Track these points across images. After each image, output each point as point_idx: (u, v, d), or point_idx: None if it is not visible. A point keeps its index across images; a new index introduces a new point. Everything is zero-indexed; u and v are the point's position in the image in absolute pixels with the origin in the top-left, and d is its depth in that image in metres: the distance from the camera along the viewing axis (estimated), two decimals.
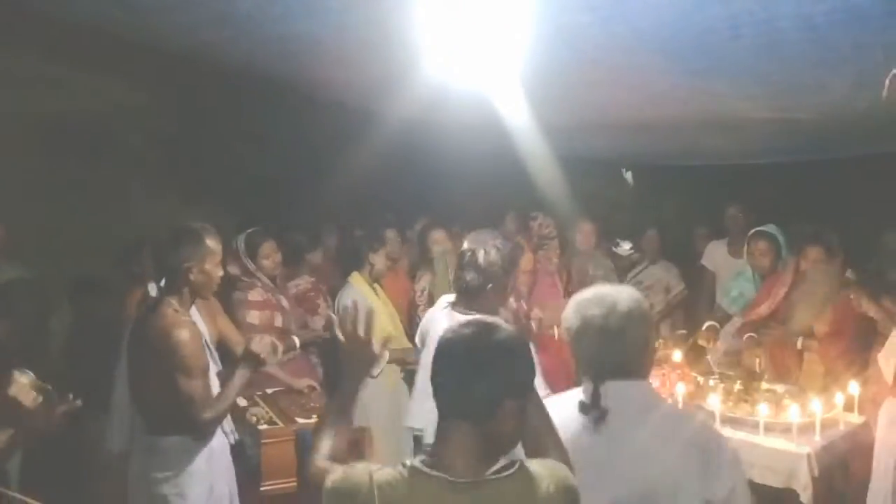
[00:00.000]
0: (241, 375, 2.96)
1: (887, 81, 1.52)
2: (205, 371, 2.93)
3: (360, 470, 1.58)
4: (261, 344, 3.00)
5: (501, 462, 1.57)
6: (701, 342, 4.76)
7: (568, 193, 5.73)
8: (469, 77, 3.31)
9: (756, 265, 4.73)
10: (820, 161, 5.94)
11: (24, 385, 2.22)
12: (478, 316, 1.72)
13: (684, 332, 5.44)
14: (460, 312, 3.11)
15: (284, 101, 4.44)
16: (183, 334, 2.83)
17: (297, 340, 4.26)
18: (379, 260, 4.62)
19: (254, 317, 4.23)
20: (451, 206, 5.88)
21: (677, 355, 4.39)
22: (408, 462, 1.57)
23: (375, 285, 4.64)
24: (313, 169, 5.16)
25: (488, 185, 6.16)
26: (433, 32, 2.77)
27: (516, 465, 1.57)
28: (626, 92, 3.83)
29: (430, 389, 1.64)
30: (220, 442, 3.08)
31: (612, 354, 1.94)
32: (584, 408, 1.94)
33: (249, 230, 4.42)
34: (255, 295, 4.28)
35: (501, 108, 3.78)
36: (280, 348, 3.23)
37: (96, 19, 3.46)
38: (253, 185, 5.64)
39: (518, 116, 3.92)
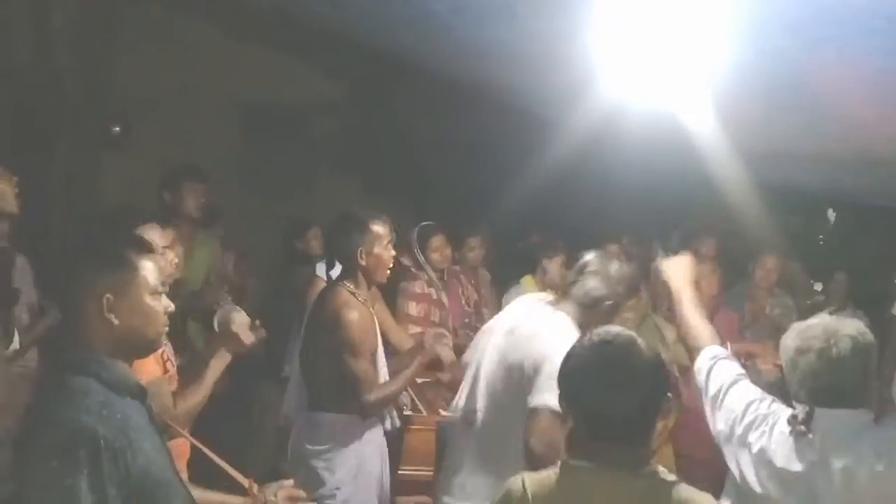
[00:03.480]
0: (414, 369, 3.10)
1: None
2: (373, 354, 3.10)
3: (515, 477, 1.72)
4: (445, 349, 3.14)
5: (654, 465, 1.64)
6: None
7: (756, 223, 5.42)
8: (657, 94, 3.22)
9: None
10: None
11: (243, 323, 2.51)
12: (610, 329, 1.75)
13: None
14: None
15: (470, 103, 4.53)
16: (353, 314, 3.02)
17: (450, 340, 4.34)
18: (553, 267, 4.61)
19: (412, 308, 4.37)
20: (622, 220, 5.75)
21: None
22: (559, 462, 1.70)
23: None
24: (492, 172, 5.22)
25: (671, 204, 5.96)
26: (623, 47, 2.72)
27: (673, 477, 1.63)
28: (828, 122, 3.57)
29: None
30: (375, 425, 3.23)
31: (825, 381, 1.93)
32: (793, 420, 1.96)
33: (423, 223, 4.55)
34: (417, 287, 4.42)
35: (691, 129, 3.64)
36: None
37: (303, 11, 3.68)
38: (433, 182, 5.79)
39: (709, 138, 3.75)
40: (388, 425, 3.33)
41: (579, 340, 1.75)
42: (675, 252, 5.08)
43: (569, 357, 1.70)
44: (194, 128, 5.52)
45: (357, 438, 3.13)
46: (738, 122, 3.55)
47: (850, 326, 1.99)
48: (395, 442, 3.55)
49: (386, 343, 3.79)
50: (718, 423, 2.20)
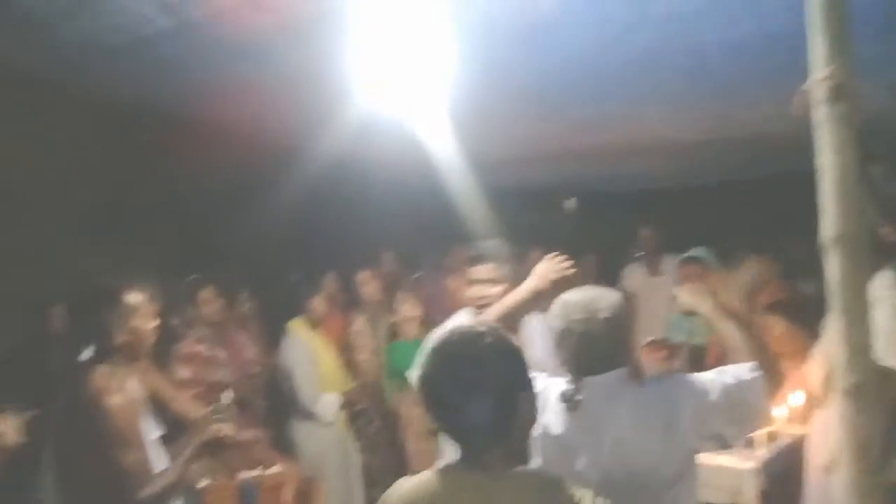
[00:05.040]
0: (190, 454, 2.76)
1: (796, 97, 1.58)
2: (140, 443, 2.73)
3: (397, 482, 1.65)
4: (219, 429, 2.83)
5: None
6: (644, 359, 4.83)
7: (505, 225, 5.77)
8: (397, 114, 3.31)
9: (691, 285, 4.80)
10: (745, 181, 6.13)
11: (13, 429, 2.34)
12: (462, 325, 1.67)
13: None
14: None
15: (224, 145, 4.35)
16: (115, 400, 2.58)
17: (230, 396, 4.14)
18: (319, 304, 4.54)
19: (184, 371, 4.05)
20: (380, 244, 5.86)
21: None
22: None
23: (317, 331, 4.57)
24: (254, 211, 5.06)
25: (424, 220, 6.15)
26: (360, 71, 2.77)
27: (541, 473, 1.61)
28: (557, 122, 3.88)
29: None
30: None
31: (591, 354, 2.08)
32: (563, 396, 2.09)
33: (188, 277, 4.30)
34: (185, 346, 4.12)
35: (431, 144, 3.80)
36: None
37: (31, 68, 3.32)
38: (192, 232, 5.49)
39: (448, 152, 3.94)
40: None
41: (434, 340, 1.65)
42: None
43: (423, 359, 1.61)
44: None
45: None
46: (475, 132, 3.74)
47: (606, 302, 2.13)
48: None
49: (167, 414, 3.53)
50: None
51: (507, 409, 1.53)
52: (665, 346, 4.77)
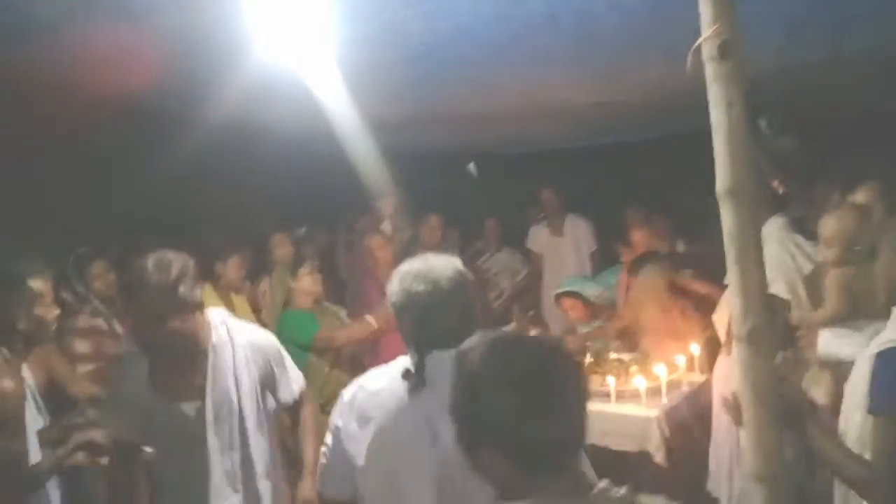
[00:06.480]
0: (60, 460, 2.43)
1: (689, 55, 1.62)
2: (22, 432, 2.58)
3: None
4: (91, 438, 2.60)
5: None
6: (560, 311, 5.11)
7: (407, 189, 5.76)
8: (292, 79, 3.23)
9: (574, 320, 5.04)
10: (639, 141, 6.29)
11: None
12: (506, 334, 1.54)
13: (534, 312, 5.67)
14: None
15: (98, 110, 4.11)
16: (5, 386, 2.49)
17: None
18: (230, 270, 4.42)
19: (82, 345, 3.89)
20: (287, 207, 5.75)
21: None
22: None
23: (233, 296, 4.43)
24: (136, 180, 4.83)
25: (325, 185, 6.05)
26: (251, 33, 2.67)
27: (622, 491, 1.40)
28: (455, 85, 3.87)
29: None
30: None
31: (436, 326, 1.92)
32: (406, 375, 1.92)
33: (79, 250, 4.11)
34: (82, 321, 3.94)
35: (328, 108, 3.72)
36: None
37: None
38: (80, 206, 5.21)
39: (345, 115, 3.87)
40: None
41: (472, 351, 1.47)
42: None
43: (471, 377, 1.43)
44: None
45: None
46: (372, 95, 3.69)
47: (448, 271, 1.98)
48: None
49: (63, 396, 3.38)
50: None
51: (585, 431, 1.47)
52: (581, 300, 4.91)
